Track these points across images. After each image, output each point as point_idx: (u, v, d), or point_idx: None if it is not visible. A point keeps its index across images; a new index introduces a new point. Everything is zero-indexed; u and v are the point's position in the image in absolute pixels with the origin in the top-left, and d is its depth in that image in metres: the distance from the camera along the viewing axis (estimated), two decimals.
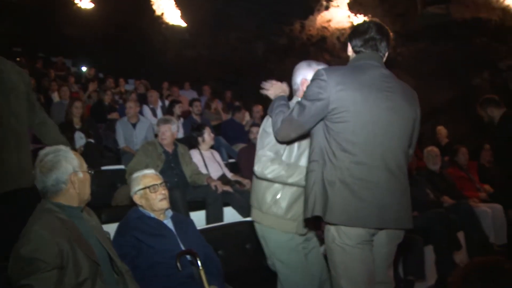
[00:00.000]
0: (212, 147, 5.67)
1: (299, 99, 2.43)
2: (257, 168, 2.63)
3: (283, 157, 2.67)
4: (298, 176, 2.57)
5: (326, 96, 2.21)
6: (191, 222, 3.12)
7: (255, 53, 12.76)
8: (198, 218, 4.45)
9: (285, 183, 2.63)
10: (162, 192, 2.86)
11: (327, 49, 11.76)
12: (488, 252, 5.06)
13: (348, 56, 2.53)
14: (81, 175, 2.21)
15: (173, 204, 3.98)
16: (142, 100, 8.42)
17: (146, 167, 4.44)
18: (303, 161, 2.66)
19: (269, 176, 2.60)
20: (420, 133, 2.56)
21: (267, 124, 2.72)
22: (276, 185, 2.68)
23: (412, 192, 2.36)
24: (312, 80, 2.31)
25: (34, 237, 1.92)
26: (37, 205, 2.15)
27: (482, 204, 5.66)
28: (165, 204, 2.86)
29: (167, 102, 8.43)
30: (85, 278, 2.00)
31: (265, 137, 2.69)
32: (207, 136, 5.39)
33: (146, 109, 7.87)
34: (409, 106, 2.34)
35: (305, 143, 2.68)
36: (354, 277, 2.19)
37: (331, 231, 2.23)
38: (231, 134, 7.38)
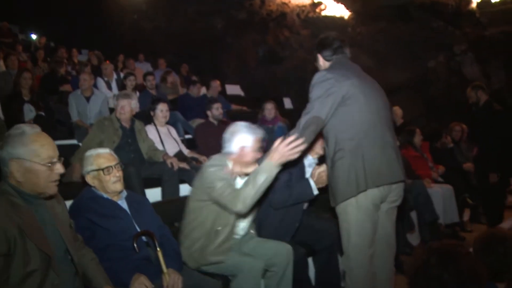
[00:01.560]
0: (168, 123, 5.54)
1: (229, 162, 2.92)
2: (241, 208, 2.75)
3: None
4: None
5: (337, 89, 2.61)
6: (147, 202, 3.03)
7: (214, 27, 12.58)
8: (154, 195, 4.37)
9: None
10: (117, 174, 2.72)
11: (287, 25, 11.72)
12: (437, 232, 5.23)
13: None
14: (28, 164, 1.98)
15: (127, 181, 3.88)
16: (96, 72, 8.12)
17: (101, 143, 4.34)
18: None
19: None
20: None
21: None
22: None
23: None
24: (318, 83, 2.67)
25: None
26: None
27: (434, 184, 5.83)
28: (119, 186, 2.74)
29: (122, 75, 8.17)
30: (34, 269, 1.88)
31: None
32: (159, 112, 5.26)
33: (101, 82, 7.60)
34: (378, 85, 2.86)
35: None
36: (364, 233, 2.66)
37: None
38: (188, 109, 7.25)
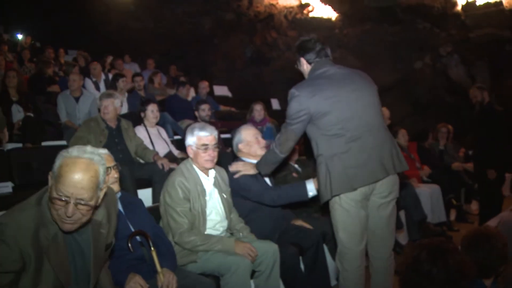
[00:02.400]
0: (157, 124, 5.55)
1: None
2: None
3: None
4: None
5: (305, 107, 2.74)
6: (140, 202, 3.05)
7: (202, 28, 12.57)
8: (145, 196, 4.37)
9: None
10: (115, 175, 2.74)
11: (274, 27, 11.77)
12: (425, 231, 5.31)
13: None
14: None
15: (121, 182, 3.88)
16: (84, 72, 8.07)
17: (88, 143, 4.33)
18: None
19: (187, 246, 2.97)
20: None
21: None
22: None
23: None
24: (290, 100, 2.82)
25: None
26: None
27: (422, 184, 5.92)
28: (116, 187, 2.75)
29: (110, 75, 8.14)
30: None
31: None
32: (149, 113, 5.27)
33: (89, 82, 7.55)
34: (367, 82, 2.94)
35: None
36: (349, 229, 2.80)
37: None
38: (176, 110, 7.25)
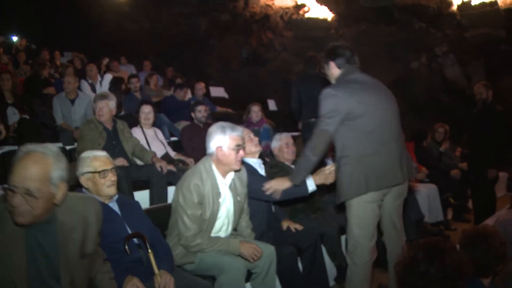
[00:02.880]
0: (154, 125, 5.54)
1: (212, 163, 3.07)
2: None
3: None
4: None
5: (341, 107, 2.88)
6: (137, 205, 3.04)
7: (197, 29, 12.57)
8: (142, 197, 4.36)
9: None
10: (112, 178, 2.72)
11: (270, 27, 11.77)
12: (423, 231, 5.30)
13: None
14: None
15: (117, 184, 3.87)
16: (80, 74, 8.05)
17: (92, 143, 4.33)
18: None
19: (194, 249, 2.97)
20: None
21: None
22: None
23: None
24: (325, 99, 2.94)
25: None
26: None
27: (419, 184, 5.93)
28: (112, 190, 2.73)
29: (105, 77, 8.11)
30: None
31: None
32: (141, 114, 5.26)
33: (85, 84, 7.53)
34: (389, 93, 3.12)
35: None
36: (364, 225, 2.98)
37: None
38: (173, 111, 7.23)
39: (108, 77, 7.98)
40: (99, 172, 2.70)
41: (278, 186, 3.24)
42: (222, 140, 3.00)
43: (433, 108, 9.19)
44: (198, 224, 2.96)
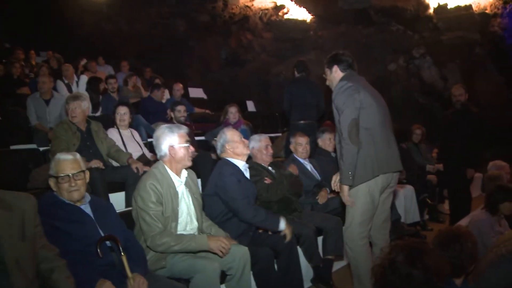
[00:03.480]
0: (131, 126, 5.48)
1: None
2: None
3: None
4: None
5: (357, 95, 3.19)
6: (111, 207, 2.99)
7: (176, 29, 12.48)
8: (118, 199, 4.32)
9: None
10: (72, 184, 2.64)
11: (249, 28, 11.74)
12: (399, 231, 5.34)
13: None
14: None
15: (91, 186, 3.81)
16: (56, 74, 7.91)
17: (67, 144, 4.27)
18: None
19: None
20: None
21: None
22: None
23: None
24: (341, 92, 3.23)
25: None
26: None
27: (397, 185, 5.97)
28: (75, 195, 2.66)
29: (82, 78, 7.99)
30: None
31: None
32: (117, 115, 5.20)
33: (61, 85, 7.40)
34: (382, 99, 3.46)
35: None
36: (366, 212, 3.31)
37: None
38: (150, 112, 7.16)
39: (84, 78, 7.86)
40: (57, 178, 2.65)
41: (345, 193, 3.33)
42: (172, 139, 3.12)
43: (410, 109, 9.28)
44: (161, 222, 2.96)
